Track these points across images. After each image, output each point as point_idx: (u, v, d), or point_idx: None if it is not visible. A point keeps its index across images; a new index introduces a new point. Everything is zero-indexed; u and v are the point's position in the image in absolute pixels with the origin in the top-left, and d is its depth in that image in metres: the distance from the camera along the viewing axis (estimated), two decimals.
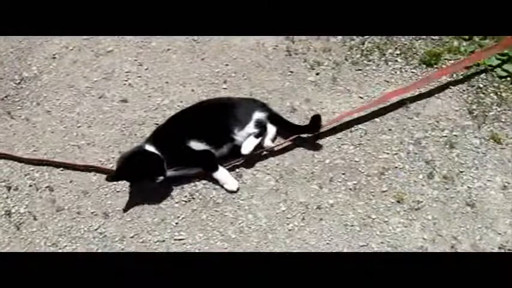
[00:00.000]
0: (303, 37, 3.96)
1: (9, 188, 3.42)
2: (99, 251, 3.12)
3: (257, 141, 3.33)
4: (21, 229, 3.26)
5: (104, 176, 3.31)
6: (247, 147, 3.29)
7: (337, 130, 3.43)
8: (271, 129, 3.42)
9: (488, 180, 3.16)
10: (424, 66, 3.70)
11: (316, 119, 3.36)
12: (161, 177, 3.19)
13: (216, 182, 3.28)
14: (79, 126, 3.66)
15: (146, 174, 3.20)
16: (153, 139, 3.34)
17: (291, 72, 3.78)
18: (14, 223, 3.28)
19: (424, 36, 3.84)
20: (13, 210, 3.33)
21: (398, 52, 3.80)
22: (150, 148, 3.25)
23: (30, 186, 3.42)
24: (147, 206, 3.26)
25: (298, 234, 3.05)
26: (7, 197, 3.39)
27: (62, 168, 3.47)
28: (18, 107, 3.81)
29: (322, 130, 3.38)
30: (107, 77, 3.90)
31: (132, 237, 3.15)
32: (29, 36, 4.17)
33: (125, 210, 3.26)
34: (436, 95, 3.53)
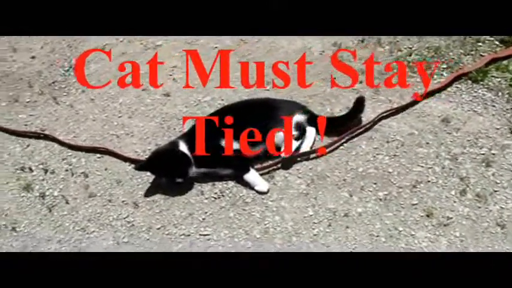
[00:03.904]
0: (350, 44, 3.95)
1: (46, 171, 3.50)
2: (125, 239, 3.16)
3: (296, 144, 3.33)
4: (52, 211, 3.33)
5: None
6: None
7: (374, 139, 3.40)
8: (311, 133, 3.40)
9: None
10: (470, 81, 3.62)
11: (360, 101, 3.37)
12: (180, 179, 3.25)
13: (245, 184, 3.28)
14: (120, 116, 3.73)
15: (169, 173, 3.27)
16: (188, 136, 3.37)
17: (334, 78, 3.75)
18: (47, 205, 3.36)
19: (472, 52, 3.77)
20: (47, 193, 3.41)
21: (445, 66, 3.74)
22: (183, 146, 3.29)
23: (67, 171, 3.50)
24: (177, 200, 3.28)
25: (323, 240, 3.01)
26: (43, 179, 3.47)
27: (99, 156, 3.54)
28: (64, 93, 3.92)
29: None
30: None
31: (158, 228, 3.18)
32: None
33: (155, 201, 3.29)
34: (479, 112, 3.45)
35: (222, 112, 3.43)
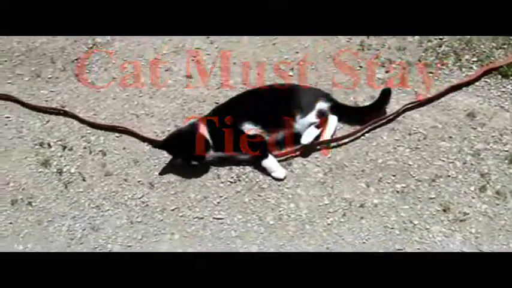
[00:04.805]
0: None
1: (64, 148, 3.50)
2: (139, 219, 3.15)
3: (318, 131, 3.28)
4: (69, 188, 3.34)
5: None
6: (307, 138, 3.25)
7: (396, 131, 3.33)
8: (333, 121, 3.34)
9: None
10: (500, 76, 3.52)
11: (386, 93, 3.34)
12: (195, 162, 3.24)
13: (263, 169, 3.24)
14: (141, 96, 3.71)
15: (185, 155, 3.25)
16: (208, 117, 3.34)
17: (360, 67, 3.68)
18: (63, 181, 3.36)
19: (505, 46, 3.66)
20: (64, 169, 3.42)
21: (475, 59, 3.63)
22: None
23: (85, 148, 3.49)
24: (193, 182, 3.27)
25: (336, 229, 2.98)
26: (61, 156, 3.48)
27: (117, 135, 3.53)
28: (86, 71, 3.90)
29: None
30: (177, 51, 3.94)
31: (172, 210, 3.17)
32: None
33: (171, 183, 3.28)
34: (506, 108, 3.36)
35: (244, 97, 3.42)
